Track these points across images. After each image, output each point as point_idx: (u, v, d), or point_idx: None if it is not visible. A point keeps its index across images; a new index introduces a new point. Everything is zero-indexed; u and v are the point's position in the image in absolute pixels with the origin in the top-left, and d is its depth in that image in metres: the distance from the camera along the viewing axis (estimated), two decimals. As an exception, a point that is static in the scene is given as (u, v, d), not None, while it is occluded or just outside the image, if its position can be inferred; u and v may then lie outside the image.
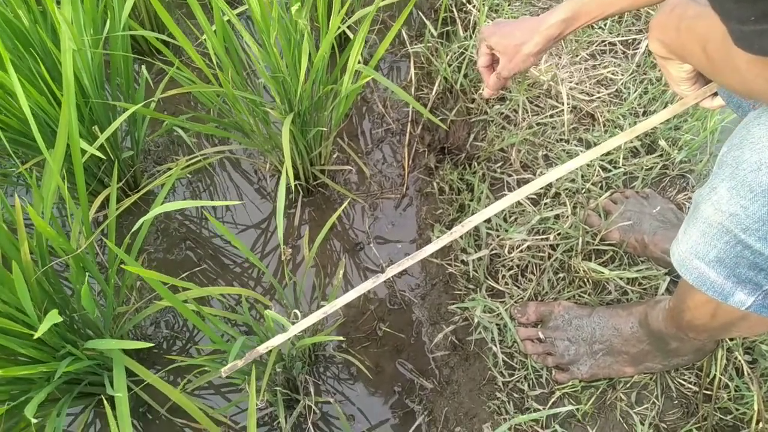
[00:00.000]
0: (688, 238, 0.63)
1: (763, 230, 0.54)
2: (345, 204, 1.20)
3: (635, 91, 1.28)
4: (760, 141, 0.52)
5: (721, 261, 0.60)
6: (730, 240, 0.58)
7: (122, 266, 0.67)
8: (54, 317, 0.63)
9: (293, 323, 0.92)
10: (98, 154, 0.85)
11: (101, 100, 0.95)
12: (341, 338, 0.99)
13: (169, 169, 1.18)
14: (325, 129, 1.12)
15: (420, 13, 1.31)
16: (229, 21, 1.01)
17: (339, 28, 0.96)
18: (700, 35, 0.58)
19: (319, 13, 0.96)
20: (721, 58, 0.53)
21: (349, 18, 1.13)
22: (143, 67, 1.11)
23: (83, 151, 0.87)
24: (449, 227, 1.23)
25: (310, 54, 0.93)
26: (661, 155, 1.20)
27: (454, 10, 1.42)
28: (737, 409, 0.96)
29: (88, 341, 0.84)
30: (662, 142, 1.20)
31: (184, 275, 1.19)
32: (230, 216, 1.32)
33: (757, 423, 0.94)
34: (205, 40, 0.98)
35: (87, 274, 0.94)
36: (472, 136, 1.28)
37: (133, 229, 0.76)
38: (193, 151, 1.30)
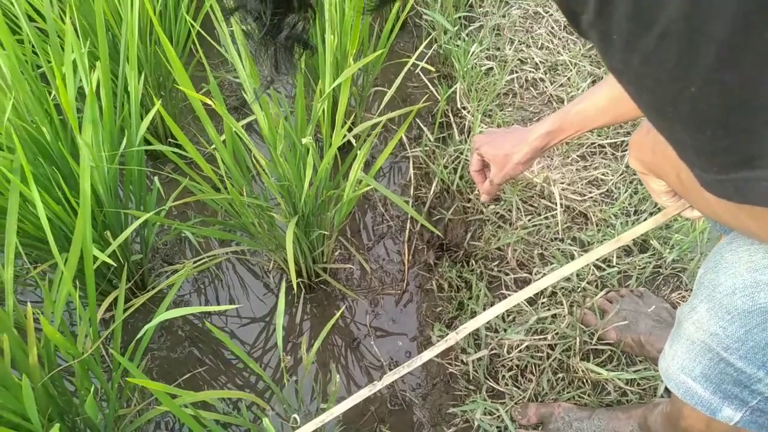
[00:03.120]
0: (674, 354, 0.65)
1: (743, 350, 0.57)
2: (342, 309, 1.22)
3: (625, 191, 1.33)
4: (733, 266, 0.56)
5: (707, 377, 0.62)
6: (713, 357, 0.60)
7: (127, 378, 0.69)
8: (58, 433, 0.64)
9: (293, 427, 0.92)
10: (110, 261, 0.89)
11: (114, 209, 1.00)
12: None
13: (176, 271, 1.22)
14: (327, 233, 1.16)
15: (417, 119, 1.39)
16: (236, 132, 1.08)
17: (342, 139, 1.03)
18: (673, 161, 0.62)
19: (323, 128, 1.03)
20: (693, 188, 0.57)
21: (351, 128, 1.20)
22: (156, 178, 1.17)
23: (95, 257, 0.91)
24: (449, 325, 1.24)
25: (314, 164, 0.99)
26: (653, 254, 1.23)
27: (450, 115, 1.50)
28: None
29: (88, 449, 0.84)
30: (654, 242, 1.24)
31: (186, 376, 1.20)
32: (234, 311, 1.34)
33: None
34: (214, 149, 1.04)
35: (91, 376, 0.96)
36: (469, 234, 1.33)
37: (138, 336, 0.78)
38: (199, 250, 1.34)
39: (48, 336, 0.82)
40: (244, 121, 1.24)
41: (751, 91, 0.34)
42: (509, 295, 1.21)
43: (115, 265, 0.92)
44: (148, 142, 1.01)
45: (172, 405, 0.83)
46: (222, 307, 0.98)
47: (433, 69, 1.45)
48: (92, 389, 0.81)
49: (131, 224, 1.05)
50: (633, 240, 1.26)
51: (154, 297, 1.29)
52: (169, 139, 1.09)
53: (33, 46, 1.10)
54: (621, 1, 0.34)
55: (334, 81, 0.96)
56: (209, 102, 0.95)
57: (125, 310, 1.01)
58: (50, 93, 1.09)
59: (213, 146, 1.05)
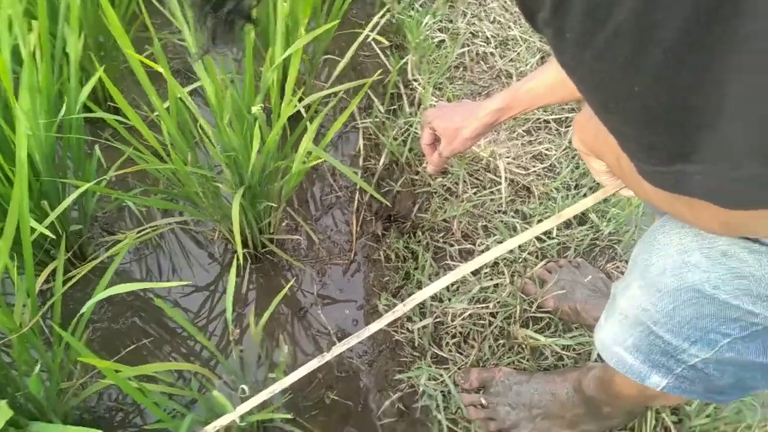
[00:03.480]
0: (609, 326, 0.69)
1: (671, 324, 0.61)
2: (291, 282, 1.23)
3: (567, 166, 1.38)
4: (664, 248, 0.59)
5: (638, 347, 0.66)
6: (644, 330, 0.64)
7: (79, 359, 0.68)
8: (6, 412, 0.63)
9: (242, 398, 0.93)
10: (48, 233, 0.85)
11: (52, 178, 0.96)
12: (289, 416, 1.00)
13: (117, 241, 1.18)
14: (274, 204, 1.15)
15: (368, 90, 1.38)
16: (181, 98, 1.05)
17: (293, 109, 1.01)
18: (614, 148, 0.65)
19: (272, 97, 1.01)
20: (631, 174, 0.60)
21: (302, 98, 1.18)
22: (97, 146, 1.12)
23: (32, 229, 0.88)
24: (395, 295, 1.27)
25: (261, 134, 0.98)
26: (591, 227, 1.29)
27: (401, 86, 1.50)
28: (666, 468, 1.03)
29: (32, 423, 0.83)
30: (592, 215, 1.29)
31: (131, 348, 1.18)
32: (178, 280, 1.32)
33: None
34: (158, 118, 1.01)
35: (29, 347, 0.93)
36: (416, 206, 1.35)
37: (81, 312, 0.76)
38: (141, 220, 1.31)
39: (-17, 310, 0.79)
40: (189, 87, 1.20)
41: (693, 91, 0.36)
42: (454, 265, 1.25)
43: (54, 237, 0.89)
44: (88, 109, 0.96)
45: (118, 379, 0.83)
46: (170, 284, 0.97)
47: (385, 41, 1.44)
48: (37, 366, 0.79)
49: (70, 194, 1.01)
50: (572, 213, 1.31)
51: (94, 267, 1.25)
52: (109, 103, 1.04)
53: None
54: (574, 4, 0.35)
55: (285, 50, 0.94)
56: (152, 65, 0.92)
57: (65, 282, 0.98)
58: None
59: (156, 113, 1.02)
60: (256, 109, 0.85)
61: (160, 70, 0.87)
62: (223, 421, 0.79)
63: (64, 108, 0.93)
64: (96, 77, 0.88)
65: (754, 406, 1.02)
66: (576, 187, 1.36)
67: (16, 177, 0.78)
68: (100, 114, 0.94)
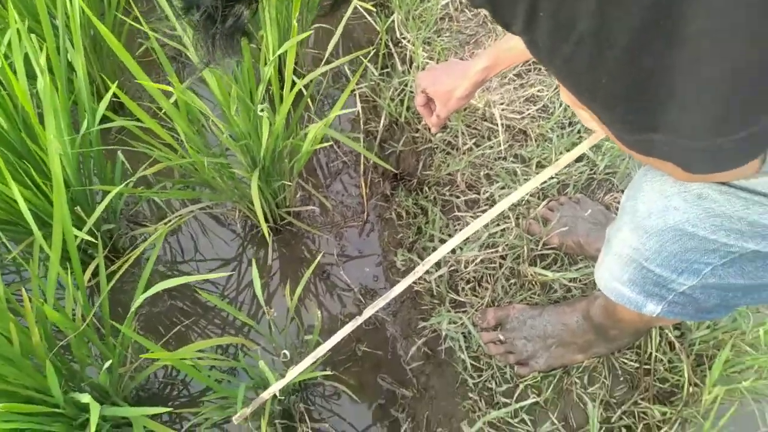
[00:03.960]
0: (606, 265, 0.78)
1: (659, 259, 0.69)
2: (319, 256, 1.31)
3: (560, 106, 1.43)
4: (648, 194, 0.67)
5: (633, 281, 0.75)
6: (637, 266, 0.73)
7: (144, 355, 0.77)
8: (96, 408, 0.73)
9: (284, 362, 1.04)
10: (90, 238, 0.94)
11: (81, 187, 1.03)
12: (329, 373, 1.11)
13: (145, 234, 1.27)
14: (288, 183, 1.22)
15: (361, 57, 1.42)
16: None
17: (293, 89, 1.07)
18: None
19: (273, 83, 1.06)
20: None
21: (296, 69, 1.23)
22: (119, 152, 1.19)
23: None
24: (410, 249, 1.36)
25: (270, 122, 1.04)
26: (587, 163, 1.36)
27: (391, 45, 1.54)
28: (672, 378, 1.13)
29: (104, 408, 0.93)
30: (588, 152, 1.36)
31: (175, 330, 1.28)
32: (206, 260, 1.41)
33: (689, 387, 1.11)
34: (165, 114, 1.07)
35: (89, 344, 1.04)
36: (420, 163, 1.41)
37: (134, 306, 0.85)
38: (165, 210, 1.39)
39: (47, 316, 0.89)
40: (188, 82, 1.25)
41: (649, 81, 0.43)
42: (462, 216, 1.33)
43: (94, 240, 0.97)
44: (105, 116, 1.03)
45: (174, 360, 0.93)
46: (214, 275, 1.06)
47: (370, 6, 1.47)
48: (109, 361, 0.89)
49: (98, 197, 1.09)
50: (569, 150, 1.38)
51: (128, 259, 1.34)
52: (113, 99, 1.10)
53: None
54: (543, 19, 0.41)
55: (278, 41, 0.99)
56: (164, 87, 0.97)
57: (109, 278, 1.07)
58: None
59: (163, 110, 1.08)
60: (262, 108, 0.91)
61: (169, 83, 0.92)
62: (277, 386, 0.89)
63: (85, 123, 0.99)
64: (110, 93, 0.93)
65: (748, 314, 1.11)
66: (570, 124, 1.42)
67: (54, 196, 0.85)
68: (120, 122, 1.00)
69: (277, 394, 0.93)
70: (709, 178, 0.58)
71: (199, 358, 1.05)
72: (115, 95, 0.97)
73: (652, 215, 0.67)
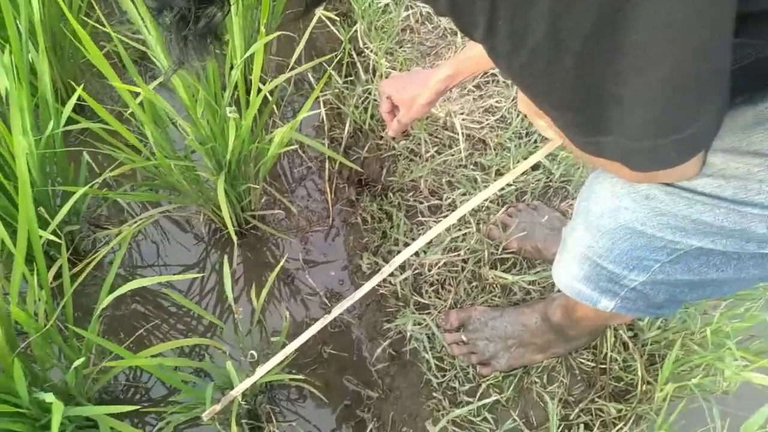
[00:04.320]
0: (563, 264, 0.83)
1: (611, 256, 0.74)
2: (284, 259, 1.32)
3: (517, 116, 1.49)
4: (600, 196, 0.72)
5: (588, 278, 0.80)
6: (591, 264, 0.78)
7: (110, 363, 0.77)
8: (58, 408, 0.73)
9: (251, 362, 1.05)
10: (54, 238, 0.93)
11: (45, 188, 1.02)
12: (300, 377, 1.12)
13: (108, 236, 1.26)
14: (254, 186, 1.24)
15: (323, 62, 1.45)
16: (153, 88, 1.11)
17: (259, 93, 1.09)
18: None
19: (239, 88, 1.08)
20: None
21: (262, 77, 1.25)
22: (84, 153, 1.18)
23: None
24: (375, 253, 1.39)
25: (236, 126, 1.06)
26: (543, 171, 1.42)
27: (354, 54, 1.57)
28: (627, 377, 1.19)
29: (68, 408, 0.93)
30: (544, 160, 1.42)
31: (140, 332, 1.27)
32: (169, 263, 1.41)
33: (642, 385, 1.17)
34: (131, 115, 1.07)
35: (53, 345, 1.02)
36: (384, 169, 1.45)
37: (96, 314, 0.86)
38: (125, 212, 1.38)
39: (12, 314, 0.88)
40: (155, 83, 1.25)
41: (597, 86, 0.47)
42: (425, 221, 1.37)
43: (58, 240, 0.96)
44: (70, 118, 1.02)
45: (141, 361, 0.93)
46: (179, 277, 1.06)
47: (334, 15, 1.50)
48: (76, 362, 0.88)
49: (59, 198, 1.08)
50: (526, 159, 1.44)
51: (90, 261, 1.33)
52: (77, 102, 1.09)
53: None
54: (501, 26, 0.45)
55: (244, 46, 1.01)
56: (133, 88, 0.97)
57: (72, 280, 1.06)
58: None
59: (130, 110, 1.08)
60: (230, 112, 0.93)
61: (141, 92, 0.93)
62: (245, 385, 0.90)
63: (50, 125, 0.98)
64: (75, 96, 0.93)
65: (696, 315, 1.18)
66: (527, 134, 1.48)
67: (19, 197, 0.85)
68: (85, 124, 1.00)
69: (244, 394, 0.94)
70: (653, 179, 0.63)
71: (164, 360, 1.05)
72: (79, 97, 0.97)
73: (604, 215, 0.72)
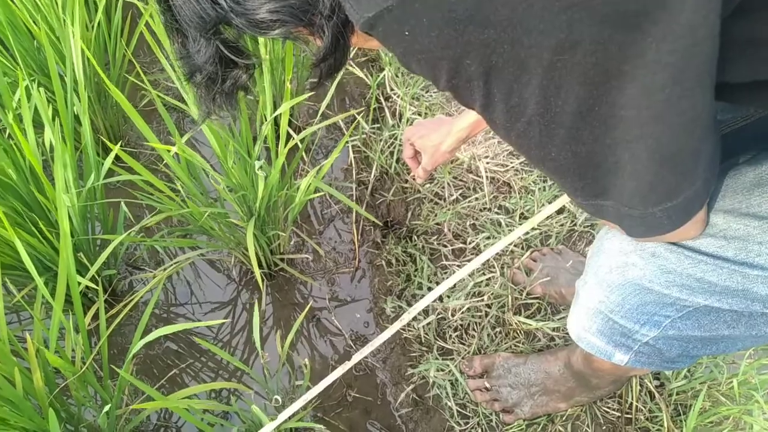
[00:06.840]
0: (576, 317, 0.83)
1: (623, 311, 0.75)
2: (309, 306, 1.36)
3: (542, 160, 1.50)
4: (609, 252, 0.73)
5: (601, 332, 0.80)
6: (604, 317, 0.78)
7: (136, 405, 0.81)
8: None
9: (275, 407, 1.07)
10: (93, 285, 0.99)
11: (85, 236, 1.09)
12: (322, 427, 1.14)
13: (144, 279, 1.32)
14: (282, 233, 1.28)
15: (351, 107, 1.50)
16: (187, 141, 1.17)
17: (288, 143, 1.14)
18: None
19: (268, 138, 1.13)
20: None
21: (291, 121, 1.30)
22: (122, 202, 1.25)
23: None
24: (399, 296, 1.41)
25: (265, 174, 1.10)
26: (568, 216, 1.42)
27: (382, 100, 1.62)
28: (653, 427, 1.17)
29: (99, 451, 0.96)
30: (569, 204, 1.42)
31: (171, 373, 1.32)
32: (202, 304, 1.46)
33: (669, 436, 1.15)
34: (166, 166, 1.14)
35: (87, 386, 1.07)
36: (409, 212, 1.48)
37: (129, 357, 0.90)
38: (161, 254, 1.44)
39: (49, 360, 0.93)
40: (188, 135, 1.32)
41: (592, 155, 0.49)
42: (449, 265, 1.38)
43: (96, 287, 1.02)
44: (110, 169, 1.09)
45: (170, 403, 0.97)
46: (211, 322, 1.10)
47: (358, 71, 1.56)
48: (108, 406, 0.92)
49: (98, 243, 1.14)
50: (550, 203, 1.44)
51: (127, 303, 1.39)
52: (119, 144, 1.16)
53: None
54: (497, 102, 0.48)
55: (273, 98, 1.06)
56: (171, 149, 1.04)
57: (109, 321, 1.12)
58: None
59: (164, 162, 1.14)
60: (259, 166, 0.98)
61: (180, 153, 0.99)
62: (271, 426, 0.92)
63: (92, 177, 1.05)
64: (113, 153, 0.99)
65: (722, 366, 1.15)
66: (552, 178, 1.49)
67: (61, 247, 0.90)
68: (124, 177, 1.07)
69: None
70: (658, 238, 0.64)
71: (191, 402, 1.08)
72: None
73: (613, 271, 0.72)
